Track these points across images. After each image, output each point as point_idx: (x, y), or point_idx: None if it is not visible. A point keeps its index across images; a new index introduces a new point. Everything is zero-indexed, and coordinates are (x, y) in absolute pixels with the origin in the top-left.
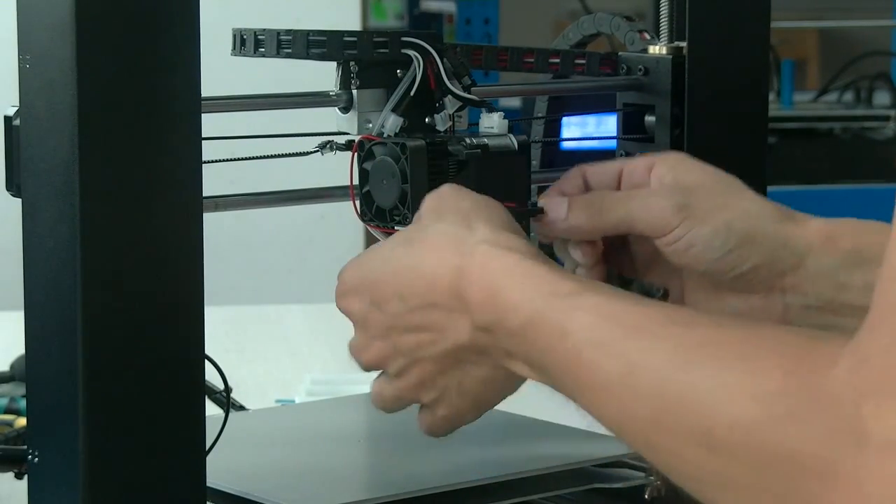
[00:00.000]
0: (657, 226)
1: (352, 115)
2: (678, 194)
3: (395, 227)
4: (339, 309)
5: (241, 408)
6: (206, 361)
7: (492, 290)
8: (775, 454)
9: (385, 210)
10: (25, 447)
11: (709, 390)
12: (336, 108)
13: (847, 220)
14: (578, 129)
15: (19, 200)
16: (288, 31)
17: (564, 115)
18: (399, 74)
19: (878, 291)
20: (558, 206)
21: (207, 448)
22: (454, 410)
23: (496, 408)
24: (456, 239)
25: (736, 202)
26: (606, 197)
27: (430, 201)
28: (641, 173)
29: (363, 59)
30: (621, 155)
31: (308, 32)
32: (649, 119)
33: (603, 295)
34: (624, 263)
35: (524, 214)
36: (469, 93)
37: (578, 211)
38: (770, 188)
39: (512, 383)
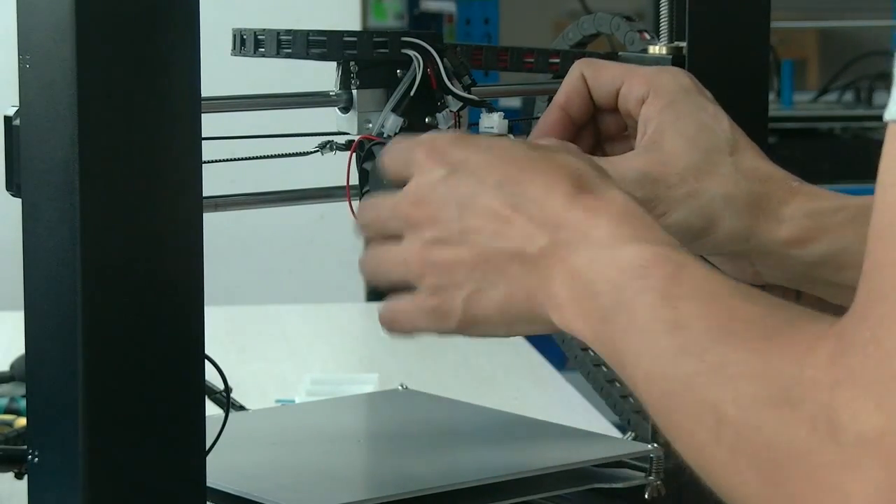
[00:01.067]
0: None
1: (352, 115)
2: (646, 185)
3: None
4: (414, 160)
5: (241, 408)
6: (206, 361)
7: (596, 220)
8: (758, 439)
9: None
10: (25, 447)
11: (725, 363)
12: (336, 108)
13: (840, 203)
14: None
15: (19, 200)
16: (288, 31)
17: None
18: (399, 74)
19: (863, 277)
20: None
21: (207, 448)
22: (446, 310)
23: (496, 408)
24: (583, 171)
25: (705, 187)
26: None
27: (555, 141)
28: (634, 105)
29: (363, 59)
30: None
31: (308, 32)
32: None
33: (696, 259)
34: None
35: None
36: (469, 93)
37: None
38: None
39: (519, 327)
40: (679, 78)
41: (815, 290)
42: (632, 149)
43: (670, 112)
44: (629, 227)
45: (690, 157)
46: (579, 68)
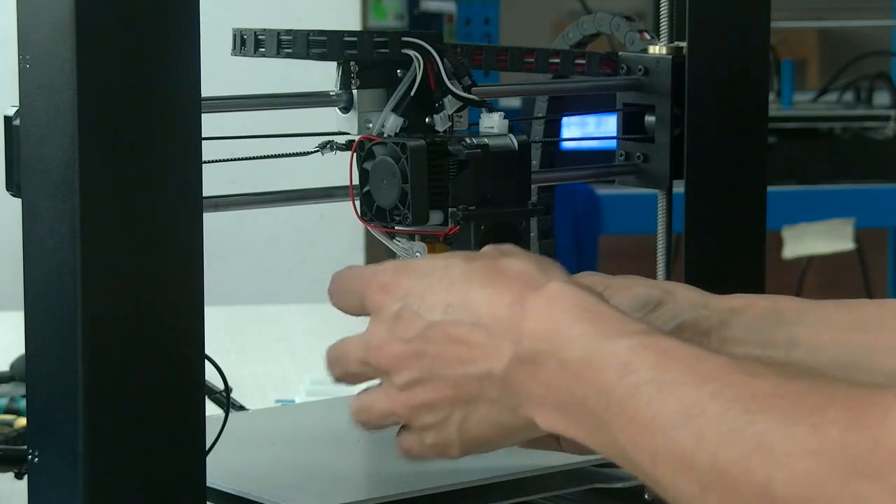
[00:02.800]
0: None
1: (352, 115)
2: (590, 280)
3: (395, 227)
4: (367, 301)
5: (241, 408)
6: (206, 361)
7: (554, 323)
8: None
9: (385, 210)
10: (25, 447)
11: (772, 443)
12: (336, 108)
13: (762, 295)
14: (578, 129)
15: (19, 200)
16: (288, 31)
17: (564, 115)
18: (399, 74)
19: None
20: None
21: (207, 448)
22: (443, 443)
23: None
24: (526, 274)
25: (653, 280)
26: None
27: (494, 246)
28: None
29: (363, 59)
30: (621, 156)
31: (308, 32)
32: (649, 119)
33: (672, 339)
34: None
35: (524, 214)
36: (469, 93)
37: None
38: (770, 188)
39: (516, 435)
40: None
41: (789, 355)
42: None
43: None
44: (589, 323)
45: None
46: None
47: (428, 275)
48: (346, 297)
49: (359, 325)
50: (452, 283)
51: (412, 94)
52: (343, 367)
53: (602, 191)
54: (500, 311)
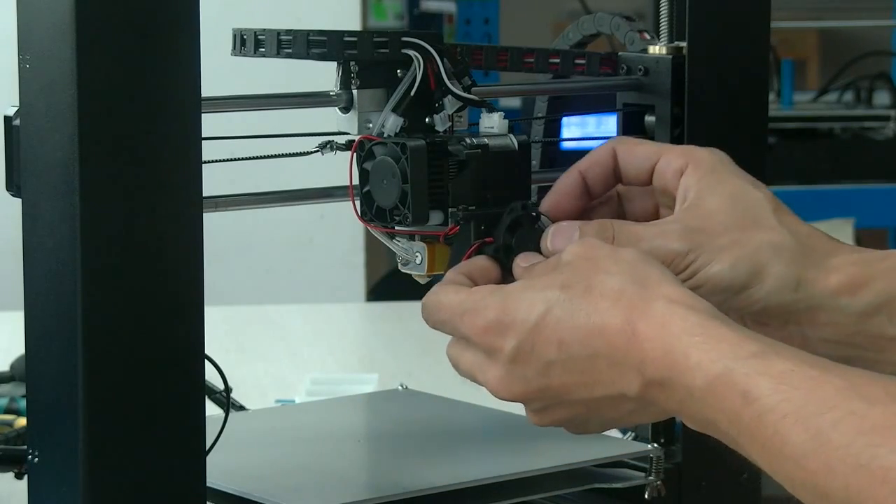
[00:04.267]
0: (670, 265)
1: (352, 115)
2: (688, 237)
3: (395, 227)
4: (475, 342)
5: (241, 408)
6: (206, 361)
7: (669, 349)
8: None
9: (385, 210)
10: (25, 447)
11: None
12: (336, 108)
13: (886, 253)
14: (578, 129)
15: (19, 200)
16: (288, 31)
17: (564, 115)
18: (399, 74)
19: None
20: (568, 232)
21: (207, 448)
22: (583, 428)
23: (496, 408)
24: (625, 293)
25: (751, 236)
26: (618, 231)
27: (579, 251)
28: (672, 177)
29: (363, 59)
30: None
31: (308, 32)
32: (649, 119)
33: (787, 358)
34: None
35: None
36: (469, 93)
37: (589, 230)
38: (770, 188)
39: (655, 418)
40: (716, 152)
41: (867, 351)
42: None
43: (710, 178)
44: (703, 350)
45: (734, 212)
46: (612, 144)
47: (531, 311)
48: (441, 326)
49: (359, 324)
50: (559, 320)
51: (412, 94)
52: (458, 369)
53: None
54: (614, 339)
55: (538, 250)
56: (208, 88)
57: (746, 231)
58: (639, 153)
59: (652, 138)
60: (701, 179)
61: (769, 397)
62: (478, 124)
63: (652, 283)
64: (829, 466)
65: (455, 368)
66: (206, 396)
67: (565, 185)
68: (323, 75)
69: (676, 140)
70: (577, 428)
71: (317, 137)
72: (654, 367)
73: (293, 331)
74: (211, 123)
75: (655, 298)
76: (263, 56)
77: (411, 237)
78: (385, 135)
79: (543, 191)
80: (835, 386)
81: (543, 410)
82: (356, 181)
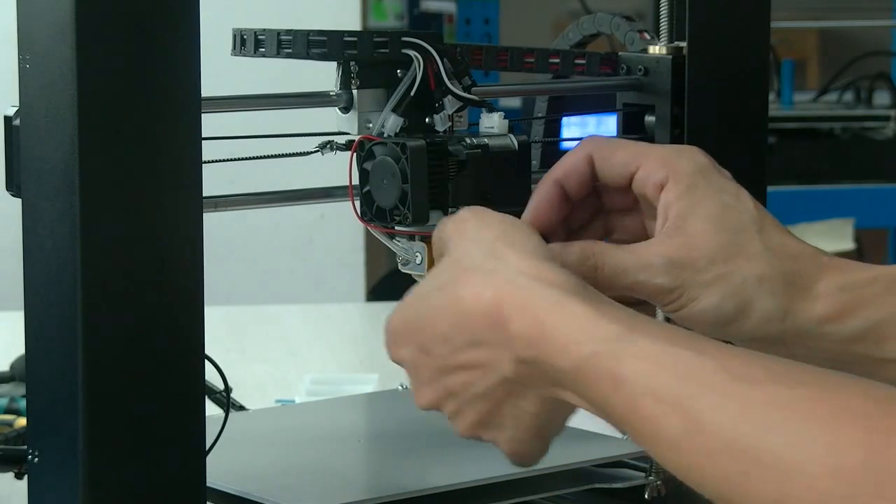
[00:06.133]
0: (655, 299)
1: (352, 115)
2: (672, 273)
3: (395, 227)
4: (393, 360)
5: (241, 408)
6: (206, 361)
7: (536, 327)
8: None
9: (385, 210)
10: (25, 447)
11: (783, 459)
12: (336, 108)
13: (873, 275)
14: (578, 129)
15: (19, 200)
16: (288, 31)
17: (564, 115)
18: (399, 74)
19: None
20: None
21: (207, 448)
22: (518, 442)
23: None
24: (486, 272)
25: (735, 268)
26: (599, 259)
27: (452, 228)
28: (652, 190)
29: (363, 59)
30: None
31: (308, 32)
32: (649, 119)
33: (653, 337)
34: None
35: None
36: (469, 93)
37: (571, 258)
38: (770, 188)
39: (568, 409)
40: (696, 158)
41: (858, 370)
42: (641, 222)
43: (691, 196)
44: (565, 331)
45: (717, 239)
46: (587, 149)
47: (416, 314)
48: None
49: (359, 324)
50: (436, 315)
51: (412, 94)
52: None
53: None
54: (484, 324)
55: None
56: (208, 88)
57: (731, 262)
58: (616, 160)
59: (652, 138)
60: (682, 197)
61: (640, 381)
62: (478, 124)
63: (508, 258)
64: (706, 450)
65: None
66: (206, 396)
67: (543, 196)
68: (323, 75)
69: (676, 140)
70: (505, 438)
71: (317, 137)
72: (525, 345)
73: (293, 331)
74: (211, 123)
75: (514, 275)
76: (263, 56)
77: (411, 237)
78: (385, 135)
79: None
80: (709, 368)
81: (456, 415)
82: (356, 181)
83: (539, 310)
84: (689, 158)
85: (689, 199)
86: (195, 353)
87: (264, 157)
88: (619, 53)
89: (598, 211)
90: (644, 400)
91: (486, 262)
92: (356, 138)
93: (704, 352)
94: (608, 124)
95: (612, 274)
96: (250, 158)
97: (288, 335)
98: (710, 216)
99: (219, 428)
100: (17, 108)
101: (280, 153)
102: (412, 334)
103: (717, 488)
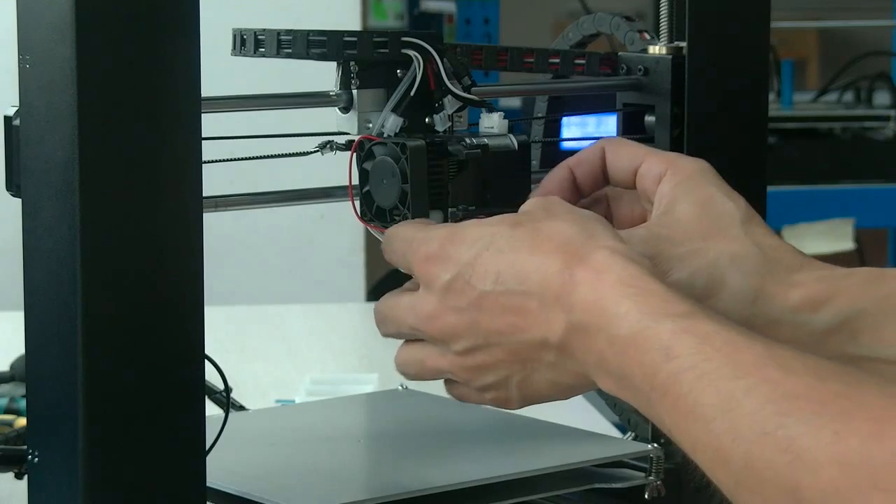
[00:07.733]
0: None
1: (352, 115)
2: (651, 243)
3: None
4: (417, 272)
5: (241, 408)
6: (206, 361)
7: (601, 295)
8: None
9: (385, 210)
10: (25, 447)
11: (800, 449)
12: (336, 108)
13: (852, 270)
14: (578, 129)
15: (19, 200)
16: (288, 31)
17: (564, 115)
18: (399, 74)
19: None
20: None
21: (207, 448)
22: (504, 399)
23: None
24: (572, 239)
25: (711, 245)
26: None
27: (538, 202)
28: (651, 182)
29: (363, 59)
30: None
31: (308, 32)
32: (649, 119)
33: (714, 321)
34: None
35: None
36: (469, 93)
37: None
38: (770, 188)
39: (575, 391)
40: (699, 163)
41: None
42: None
43: (685, 185)
44: (634, 300)
45: (700, 221)
46: (602, 143)
47: (475, 243)
48: (395, 257)
49: (359, 324)
50: (500, 252)
51: (412, 94)
52: (392, 329)
53: None
54: (550, 279)
55: None
56: (208, 88)
57: (708, 240)
58: (624, 154)
59: (652, 138)
60: (676, 186)
61: (689, 356)
62: (478, 124)
63: (598, 235)
64: (735, 431)
65: (389, 318)
66: (206, 396)
67: (554, 179)
68: (322, 75)
69: (676, 140)
70: (497, 389)
71: (317, 137)
72: (583, 310)
73: (293, 331)
74: (211, 123)
75: (598, 248)
76: (263, 56)
77: None
78: (385, 135)
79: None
80: (755, 352)
81: (467, 353)
82: (356, 181)
83: (611, 281)
84: (692, 161)
85: (682, 189)
86: (195, 353)
87: (264, 157)
88: (619, 53)
89: (606, 217)
90: (688, 374)
91: (574, 231)
92: (356, 138)
93: (754, 338)
94: (608, 124)
95: None
96: (250, 158)
97: (288, 335)
98: (698, 201)
99: (219, 428)
100: (17, 108)
101: (280, 153)
102: (462, 258)
103: (741, 472)
